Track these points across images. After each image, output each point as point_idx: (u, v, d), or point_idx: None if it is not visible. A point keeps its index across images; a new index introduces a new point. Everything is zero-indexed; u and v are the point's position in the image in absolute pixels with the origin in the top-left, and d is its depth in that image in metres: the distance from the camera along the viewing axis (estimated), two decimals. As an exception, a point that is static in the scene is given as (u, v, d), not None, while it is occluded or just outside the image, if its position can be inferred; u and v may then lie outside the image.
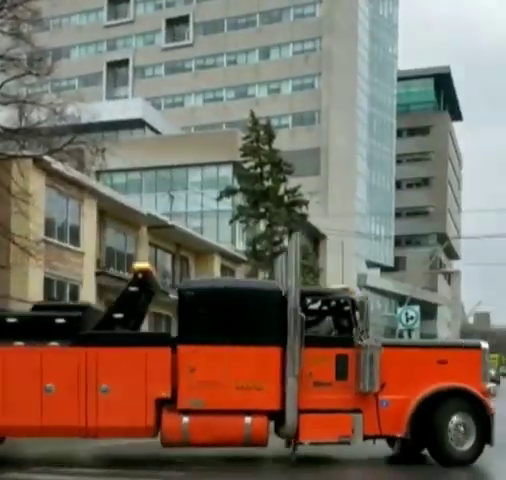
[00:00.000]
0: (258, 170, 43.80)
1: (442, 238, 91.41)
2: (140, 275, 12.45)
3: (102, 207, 32.61)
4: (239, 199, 46.64)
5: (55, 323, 11.99)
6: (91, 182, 32.06)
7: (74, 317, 12.17)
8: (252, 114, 44.19)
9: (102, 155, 24.77)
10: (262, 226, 44.15)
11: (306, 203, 44.58)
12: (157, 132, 66.10)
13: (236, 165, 48.36)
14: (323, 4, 78.24)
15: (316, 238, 62.67)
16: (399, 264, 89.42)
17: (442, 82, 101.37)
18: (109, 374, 11.65)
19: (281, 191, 43.71)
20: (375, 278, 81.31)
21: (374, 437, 12.44)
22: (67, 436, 12.35)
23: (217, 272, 42.69)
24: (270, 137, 43.93)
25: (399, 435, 12.24)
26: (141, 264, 12.92)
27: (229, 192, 45.62)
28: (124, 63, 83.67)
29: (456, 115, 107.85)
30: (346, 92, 78.39)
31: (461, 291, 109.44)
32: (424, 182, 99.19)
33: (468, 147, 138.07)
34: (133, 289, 12.45)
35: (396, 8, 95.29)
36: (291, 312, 11.91)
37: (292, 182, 44.22)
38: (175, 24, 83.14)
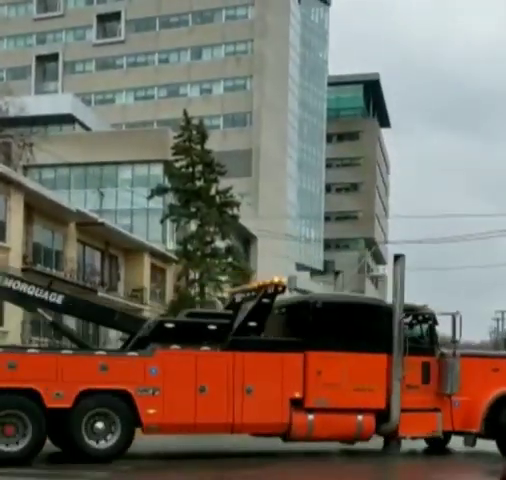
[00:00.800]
0: (190, 169, 43.54)
1: (370, 243, 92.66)
2: (280, 288, 14.13)
3: (29, 202, 31.81)
4: (170, 198, 46.22)
5: (207, 329, 13.37)
6: (18, 177, 31.24)
7: (224, 324, 13.55)
8: (185, 113, 43.88)
9: (30, 149, 24.18)
10: (193, 226, 43.85)
11: (237, 204, 44.51)
12: (87, 128, 65.00)
13: (167, 164, 47.88)
14: (255, 7, 78.41)
15: (247, 239, 62.65)
16: (328, 267, 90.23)
17: (371, 89, 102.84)
18: (253, 376, 13.16)
19: (213, 191, 43.54)
20: (305, 281, 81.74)
21: (448, 432, 14.78)
22: (216, 432, 13.84)
23: (147, 271, 42.15)
24: (203, 137, 43.71)
25: (474, 431, 14.48)
26: (280, 279, 14.52)
27: (160, 191, 45.20)
28: (54, 57, 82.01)
29: (385, 122, 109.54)
30: (277, 95, 78.70)
31: (387, 295, 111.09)
32: (353, 187, 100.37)
33: (396, 154, 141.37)
34: (266, 301, 13.92)
35: (327, 14, 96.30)
36: (396, 324, 14.18)
37: (224, 183, 44.07)
38: (106, 20, 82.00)
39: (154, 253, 43.24)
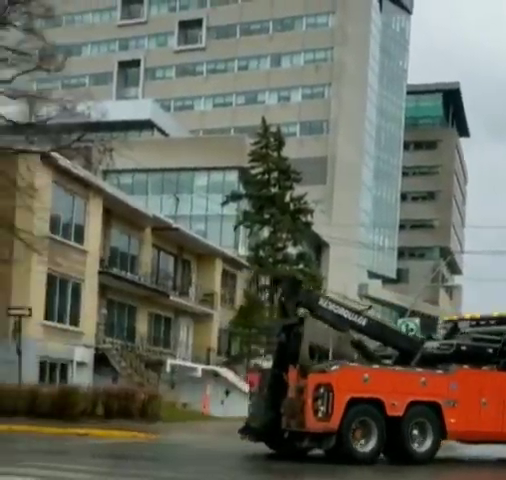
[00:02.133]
0: (266, 176, 43.86)
1: (445, 252, 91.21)
2: None
3: (108, 206, 32.55)
4: (244, 205, 46.67)
5: (486, 352, 15.21)
6: (98, 181, 32.00)
7: (496, 348, 15.22)
8: (263, 120, 44.27)
9: (110, 154, 24.67)
10: (266, 232, 44.16)
11: (311, 211, 44.64)
12: (165, 134, 66.11)
13: (242, 171, 48.40)
14: (336, 15, 78.33)
15: (319, 246, 62.69)
16: (401, 276, 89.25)
17: (451, 98, 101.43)
18: None
19: (287, 198, 43.77)
20: (376, 289, 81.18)
21: None
22: (493, 440, 15.55)
23: (218, 276, 42.64)
24: (280, 144, 44.04)
25: None
26: None
27: (235, 197, 45.71)
28: (135, 63, 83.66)
29: (463, 131, 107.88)
30: (355, 103, 78.43)
31: (462, 306, 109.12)
32: (429, 196, 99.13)
33: (473, 163, 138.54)
34: None
35: (408, 22, 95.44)
36: None
37: (298, 190, 44.24)
38: (188, 27, 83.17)
39: (226, 258, 43.73)
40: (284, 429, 13.90)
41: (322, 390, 13.23)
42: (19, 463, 11.60)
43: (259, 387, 14.81)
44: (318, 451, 13.79)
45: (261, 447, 14.86)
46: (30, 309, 24.29)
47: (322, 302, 14.95)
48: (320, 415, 13.15)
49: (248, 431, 14.66)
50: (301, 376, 13.94)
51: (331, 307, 14.95)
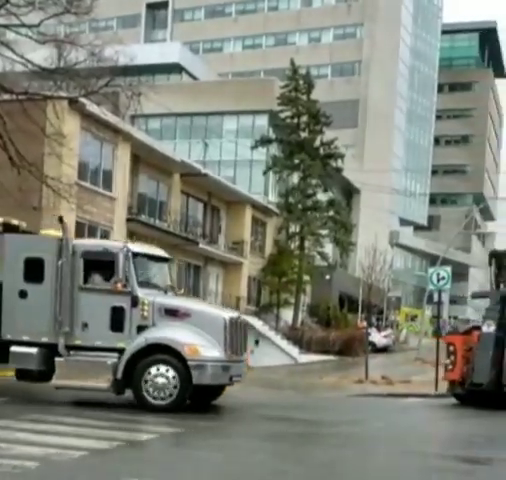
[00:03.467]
0: (295, 120, 43.17)
1: (478, 198, 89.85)
2: None
3: (136, 152, 32.27)
4: (274, 149, 46.02)
5: None
6: (126, 126, 31.61)
7: None
8: (292, 63, 43.36)
9: (138, 99, 24.23)
10: (296, 178, 43.64)
11: (342, 156, 43.98)
12: (194, 77, 65.19)
13: (272, 114, 47.57)
14: (368, -46, 75.82)
15: (350, 192, 61.98)
16: (433, 223, 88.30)
17: (487, 37, 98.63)
18: None
19: (317, 143, 43.12)
20: (408, 236, 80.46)
21: None
22: None
23: (248, 223, 42.29)
24: (309, 87, 43.18)
25: None
26: None
27: (264, 141, 45.05)
28: (163, 5, 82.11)
29: (500, 72, 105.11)
30: (388, 43, 76.48)
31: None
32: (463, 140, 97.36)
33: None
34: None
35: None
36: None
37: (328, 134, 43.49)
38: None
39: (256, 205, 43.25)
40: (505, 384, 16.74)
41: None
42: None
43: (481, 348, 17.11)
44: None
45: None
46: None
47: None
48: None
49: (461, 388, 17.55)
50: None
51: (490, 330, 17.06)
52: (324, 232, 42.57)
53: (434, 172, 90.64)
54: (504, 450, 11.39)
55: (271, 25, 76.92)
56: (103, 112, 27.46)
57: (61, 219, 14.42)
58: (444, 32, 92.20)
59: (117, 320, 13.53)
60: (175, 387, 13.10)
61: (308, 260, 43.19)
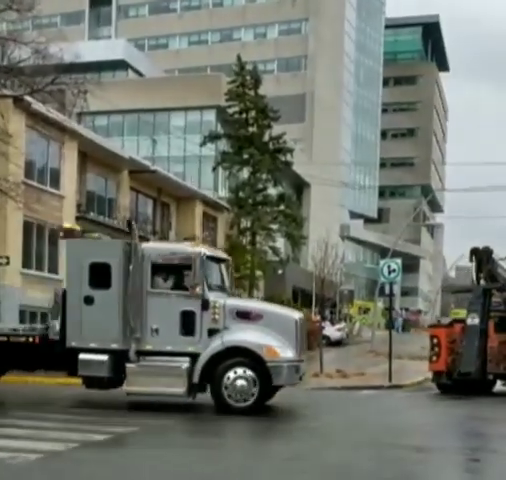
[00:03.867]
0: (243, 115, 43.04)
1: (426, 190, 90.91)
2: None
3: (83, 150, 31.86)
4: (223, 145, 45.90)
5: None
6: (72, 124, 31.15)
7: None
8: (239, 58, 43.21)
9: (84, 97, 23.93)
10: (245, 173, 43.55)
11: (291, 150, 43.97)
12: (140, 74, 64.68)
13: (220, 110, 47.47)
14: None
15: (300, 186, 62.19)
16: (383, 215, 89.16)
17: (430, 31, 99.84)
18: None
19: (266, 138, 43.05)
20: (358, 229, 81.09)
21: None
22: None
23: (199, 219, 42.16)
24: (256, 82, 43.09)
25: None
26: None
27: (213, 137, 44.88)
28: (107, 1, 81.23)
29: (443, 66, 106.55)
30: (333, 38, 76.93)
31: (444, 244, 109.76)
32: (409, 132, 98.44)
33: (454, 99, 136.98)
34: None
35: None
36: None
37: (277, 129, 43.49)
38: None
39: (206, 201, 43.11)
40: (489, 372, 18.18)
41: None
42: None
43: (467, 339, 18.09)
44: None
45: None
46: (8, 257, 23.82)
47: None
48: None
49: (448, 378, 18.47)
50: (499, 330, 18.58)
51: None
52: (275, 227, 42.58)
53: (382, 165, 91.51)
54: (456, 438, 11.53)
55: (216, 21, 76.72)
56: (49, 110, 26.99)
57: (130, 223, 14.12)
58: (387, 27, 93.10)
59: (188, 324, 13.40)
60: (254, 389, 13.21)
61: (260, 255, 43.17)
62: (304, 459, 9.29)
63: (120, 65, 63.99)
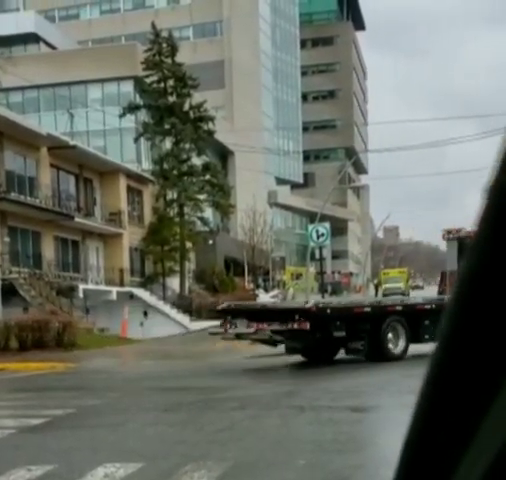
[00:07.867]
0: (162, 85, 42.45)
1: (350, 152, 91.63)
2: None
3: (-2, 128, 30.86)
4: (143, 116, 45.14)
5: None
6: (-16, 102, 30.13)
7: None
8: (153, 26, 42.49)
9: (-6, 72, 23.05)
10: (168, 144, 43.00)
11: (212, 119, 43.59)
12: (53, 47, 62.82)
13: (138, 80, 46.58)
14: None
15: (224, 155, 61.82)
16: (309, 180, 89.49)
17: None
18: None
19: (186, 106, 42.57)
20: (285, 195, 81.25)
21: None
22: None
23: (123, 193, 41.44)
24: (173, 50, 42.49)
25: None
26: None
27: (132, 108, 44.13)
28: (13, -27, 78.49)
29: (359, 25, 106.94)
30: (247, 1, 76.14)
31: (370, 206, 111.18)
32: (330, 94, 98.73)
33: (372, 58, 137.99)
34: None
35: None
36: None
37: (197, 97, 43.01)
38: None
39: (130, 174, 42.31)
40: None
41: None
42: None
43: None
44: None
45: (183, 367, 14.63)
46: None
47: None
48: None
49: None
50: None
51: None
52: (202, 197, 42.27)
53: (305, 129, 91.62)
54: (391, 396, 11.61)
55: (127, -12, 75.04)
56: (-43, 88, 25.98)
57: None
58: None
59: None
60: None
61: (189, 226, 42.85)
62: (242, 428, 9.21)
63: (31, 38, 62.02)
